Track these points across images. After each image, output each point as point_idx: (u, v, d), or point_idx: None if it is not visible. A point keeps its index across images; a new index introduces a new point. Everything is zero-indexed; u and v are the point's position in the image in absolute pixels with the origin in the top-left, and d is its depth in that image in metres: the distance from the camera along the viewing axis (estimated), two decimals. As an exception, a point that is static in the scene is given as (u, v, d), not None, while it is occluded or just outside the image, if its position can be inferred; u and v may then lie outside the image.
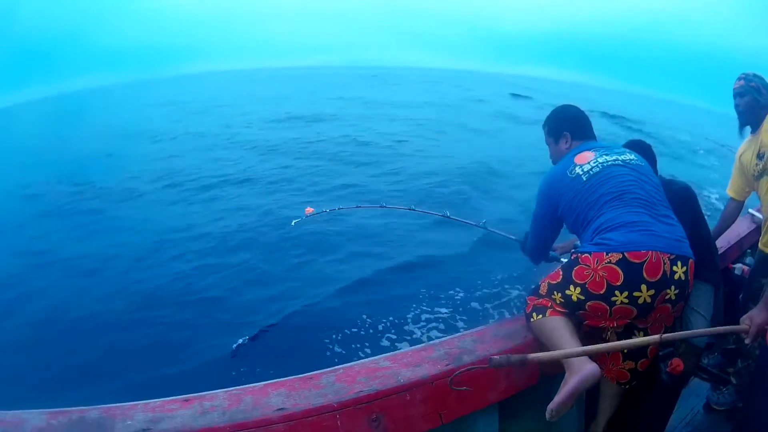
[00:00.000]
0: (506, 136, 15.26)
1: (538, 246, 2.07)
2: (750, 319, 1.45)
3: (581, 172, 1.78)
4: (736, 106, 2.40)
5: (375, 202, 3.01)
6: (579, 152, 1.86)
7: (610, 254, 1.57)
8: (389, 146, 12.72)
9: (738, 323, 1.63)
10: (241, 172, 10.52)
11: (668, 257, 1.57)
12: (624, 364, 1.85)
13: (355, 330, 4.46)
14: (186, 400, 1.48)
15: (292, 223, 2.83)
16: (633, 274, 1.54)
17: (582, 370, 1.49)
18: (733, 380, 2.53)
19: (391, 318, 4.63)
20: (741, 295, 2.51)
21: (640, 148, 2.16)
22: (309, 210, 2.70)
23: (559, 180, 1.83)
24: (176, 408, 1.43)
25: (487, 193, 8.87)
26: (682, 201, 2.13)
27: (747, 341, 1.44)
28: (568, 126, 1.99)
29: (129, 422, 1.33)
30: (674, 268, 1.58)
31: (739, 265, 2.86)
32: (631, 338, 1.74)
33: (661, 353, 2.11)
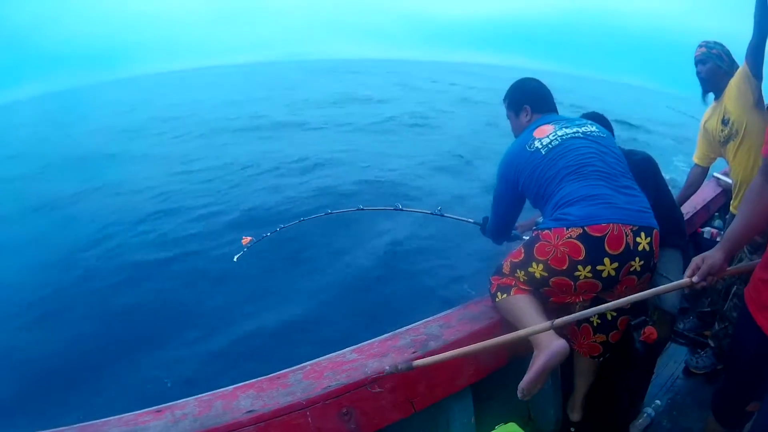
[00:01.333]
0: (454, 124, 14.58)
1: (501, 225, 2.04)
2: (702, 259, 1.35)
3: (540, 146, 1.74)
4: (698, 73, 2.43)
5: (320, 210, 2.72)
6: (538, 126, 1.83)
7: (570, 229, 1.56)
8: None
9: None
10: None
11: (630, 229, 1.56)
12: (595, 338, 1.85)
13: (320, 327, 4.35)
14: (158, 411, 1.47)
15: (234, 259, 2.50)
16: (595, 248, 1.54)
17: (550, 347, 1.49)
18: (711, 343, 2.56)
19: (354, 313, 4.50)
20: None
21: (596, 119, 2.14)
22: (246, 239, 2.46)
23: (518, 155, 1.80)
24: (149, 420, 1.42)
25: (442, 179, 8.51)
26: (644, 171, 2.14)
27: (695, 280, 1.37)
28: (528, 99, 1.95)
29: None
30: (638, 239, 1.57)
31: (707, 229, 2.90)
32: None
33: (633, 322, 2.13)
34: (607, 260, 1.54)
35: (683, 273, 2.22)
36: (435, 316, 1.82)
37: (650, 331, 2.03)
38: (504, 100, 2.05)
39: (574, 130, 1.78)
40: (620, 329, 1.85)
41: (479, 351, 1.37)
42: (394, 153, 10.64)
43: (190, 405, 1.47)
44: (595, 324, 1.82)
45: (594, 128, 1.83)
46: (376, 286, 5.11)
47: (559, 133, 1.77)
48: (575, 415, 2.08)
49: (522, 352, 1.74)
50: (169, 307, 4.90)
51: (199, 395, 1.51)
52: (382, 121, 14.79)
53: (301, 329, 4.40)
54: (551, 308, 1.72)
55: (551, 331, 1.53)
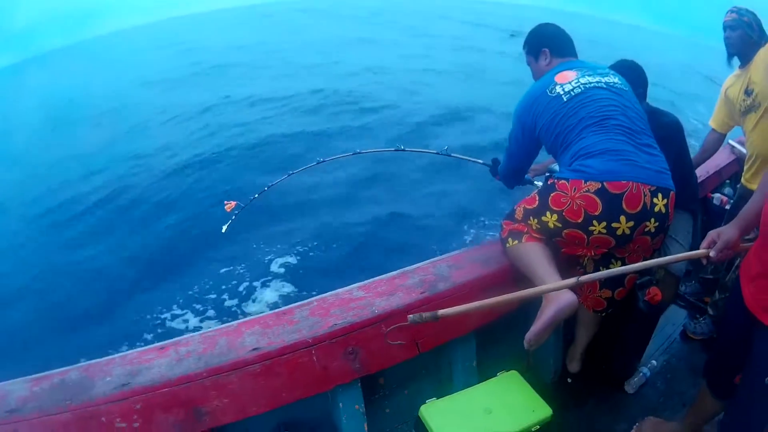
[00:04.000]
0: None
1: (514, 168, 1.99)
2: (718, 234, 1.37)
3: (561, 92, 1.68)
4: (726, 38, 2.35)
5: (310, 161, 2.47)
6: (560, 71, 1.76)
7: (588, 182, 1.52)
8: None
9: None
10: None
11: (649, 189, 1.52)
12: (601, 293, 1.84)
13: (330, 264, 4.35)
14: (161, 348, 1.46)
15: (223, 231, 2.28)
16: (612, 205, 1.50)
17: (559, 300, 1.47)
18: (710, 311, 2.57)
19: (362, 250, 4.53)
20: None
21: (630, 69, 2.05)
22: (230, 204, 2.23)
23: (537, 99, 1.73)
24: (152, 358, 1.42)
25: (449, 127, 8.18)
26: (670, 134, 2.07)
27: (712, 255, 1.39)
28: (547, 42, 1.89)
29: (108, 378, 1.33)
30: (654, 200, 1.54)
31: (717, 195, 2.87)
32: (608, 266, 1.73)
33: (638, 281, 2.12)
34: (623, 218, 1.51)
35: (691, 236, 2.25)
36: (445, 256, 1.78)
37: (655, 292, 2.02)
38: (523, 47, 1.98)
39: (597, 79, 1.72)
40: (626, 287, 1.85)
41: (501, 304, 1.33)
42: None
43: (194, 341, 1.46)
44: (602, 279, 1.80)
45: (617, 80, 1.76)
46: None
47: (582, 80, 1.70)
48: (574, 366, 2.10)
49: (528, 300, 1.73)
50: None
51: (204, 331, 1.50)
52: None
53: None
54: (561, 259, 1.69)
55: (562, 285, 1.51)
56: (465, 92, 10.53)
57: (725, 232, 1.38)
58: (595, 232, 1.54)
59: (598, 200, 1.50)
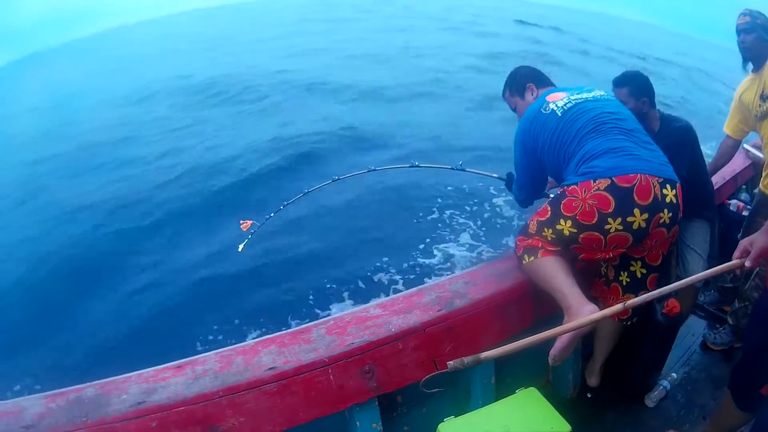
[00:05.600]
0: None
1: (527, 191, 2.02)
2: (750, 243, 1.36)
3: (555, 108, 1.73)
4: (741, 42, 2.33)
5: (327, 178, 2.42)
6: (549, 93, 1.82)
7: (597, 181, 1.52)
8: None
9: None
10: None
11: (657, 180, 1.53)
12: (624, 298, 1.80)
13: (347, 282, 4.12)
14: (178, 367, 1.45)
15: (239, 249, 2.23)
16: (624, 199, 1.49)
17: (581, 313, 1.45)
18: (730, 320, 2.52)
19: (380, 270, 4.25)
20: (739, 235, 2.48)
21: (634, 78, 2.10)
22: (246, 224, 2.19)
23: (534, 119, 1.77)
24: (169, 376, 1.42)
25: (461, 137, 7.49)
26: (682, 139, 2.08)
27: (747, 264, 1.37)
28: (530, 78, 1.98)
29: (124, 396, 1.33)
30: (664, 191, 1.54)
31: (734, 201, 2.82)
32: (628, 269, 1.73)
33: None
34: (636, 211, 1.50)
35: (708, 245, 2.21)
36: (460, 273, 1.78)
37: (673, 304, 1.98)
38: (503, 93, 2.05)
39: (585, 96, 1.78)
40: (649, 289, 1.80)
41: (549, 337, 1.25)
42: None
43: (210, 360, 1.46)
44: (624, 283, 1.78)
45: (603, 92, 1.84)
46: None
47: (572, 97, 1.78)
48: (593, 380, 2.07)
49: (545, 314, 1.72)
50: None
51: (220, 349, 1.50)
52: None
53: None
54: (579, 267, 1.68)
55: (582, 296, 1.50)
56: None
57: (759, 240, 1.36)
58: (611, 231, 1.52)
59: (610, 196, 1.50)
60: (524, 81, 1.98)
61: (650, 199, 1.51)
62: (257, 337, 1.64)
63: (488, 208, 5.18)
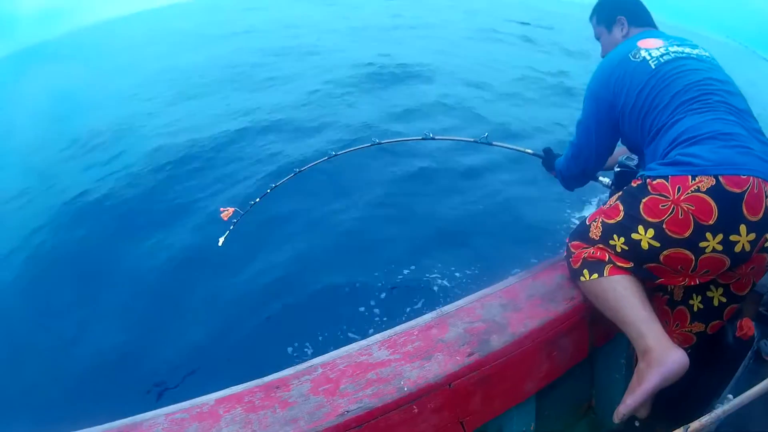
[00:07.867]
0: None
1: (582, 168, 1.59)
2: None
3: (648, 57, 1.33)
4: None
5: (323, 154, 2.01)
6: (643, 38, 1.42)
7: (697, 178, 1.09)
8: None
9: None
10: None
11: None
12: (691, 326, 1.44)
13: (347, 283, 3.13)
14: None
15: (219, 244, 1.87)
16: (731, 210, 1.07)
17: (665, 361, 1.09)
18: None
19: (389, 276, 3.20)
20: None
21: None
22: (227, 212, 1.84)
23: (617, 67, 1.37)
24: None
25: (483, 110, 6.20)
26: None
27: None
28: (624, 9, 1.57)
29: None
30: None
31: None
32: (704, 294, 1.35)
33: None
34: (743, 228, 1.08)
35: None
36: (494, 288, 1.33)
37: (748, 326, 1.62)
38: (591, 18, 1.69)
39: (689, 50, 1.36)
40: (724, 320, 1.44)
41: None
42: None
43: (158, 426, 1.03)
44: (695, 309, 1.39)
45: (708, 53, 1.41)
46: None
47: (671, 49, 1.36)
48: (643, 412, 1.72)
49: (601, 340, 1.36)
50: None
51: (171, 408, 1.07)
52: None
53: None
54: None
55: (666, 337, 1.13)
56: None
57: None
58: (707, 250, 1.10)
59: (713, 203, 1.07)
60: (615, 11, 1.59)
61: (761, 214, 1.08)
62: (225, 380, 1.20)
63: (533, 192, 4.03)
